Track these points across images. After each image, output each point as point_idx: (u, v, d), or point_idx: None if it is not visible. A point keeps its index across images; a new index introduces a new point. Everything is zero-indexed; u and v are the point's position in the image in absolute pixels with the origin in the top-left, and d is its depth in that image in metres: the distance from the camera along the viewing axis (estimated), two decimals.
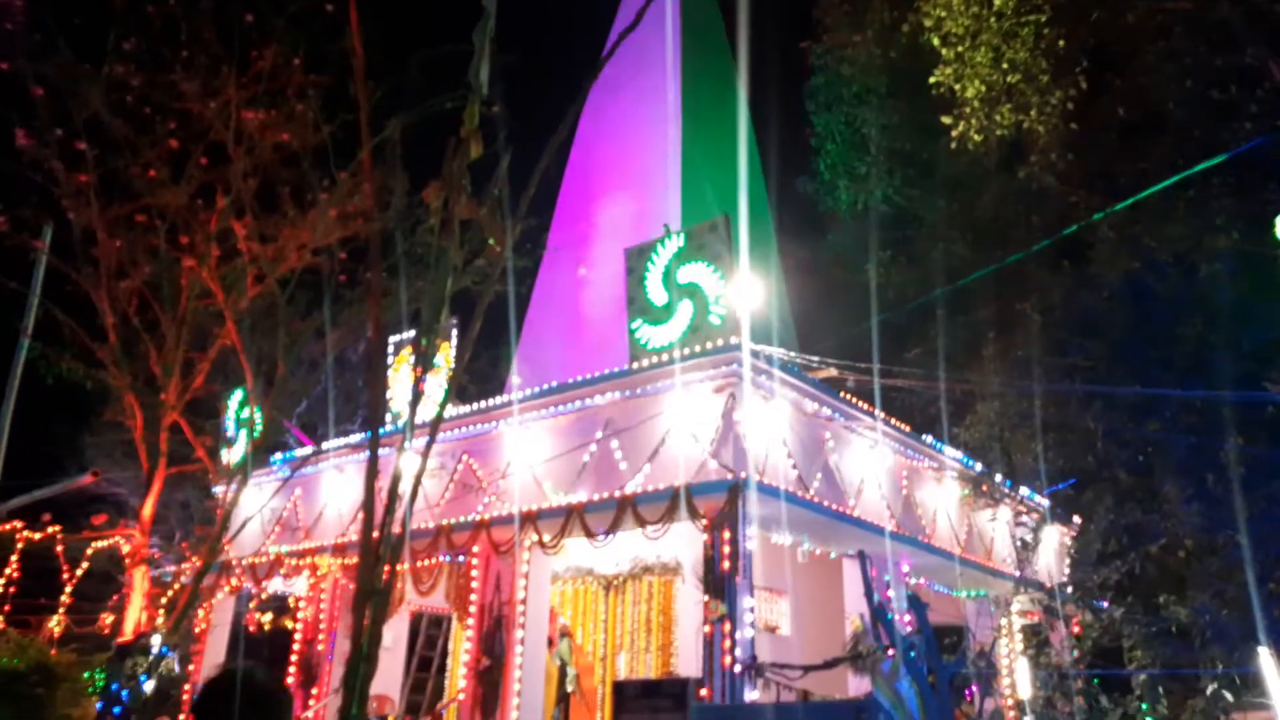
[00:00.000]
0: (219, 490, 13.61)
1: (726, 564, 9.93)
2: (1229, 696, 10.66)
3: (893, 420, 12.87)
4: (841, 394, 12.20)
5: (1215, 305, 11.91)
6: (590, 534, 10.82)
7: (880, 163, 14.91)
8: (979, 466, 13.23)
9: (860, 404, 12.29)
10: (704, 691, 9.69)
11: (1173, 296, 12.14)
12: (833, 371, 12.09)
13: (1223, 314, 11.85)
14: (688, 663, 12.51)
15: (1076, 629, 11.91)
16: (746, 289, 10.77)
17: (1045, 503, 12.62)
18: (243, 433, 13.58)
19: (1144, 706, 10.76)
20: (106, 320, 9.56)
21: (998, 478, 12.78)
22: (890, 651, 7.60)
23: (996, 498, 12.78)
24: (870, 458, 12.45)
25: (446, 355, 13.46)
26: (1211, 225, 11.80)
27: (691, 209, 15.12)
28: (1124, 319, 12.12)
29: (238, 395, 13.51)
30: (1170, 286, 12.18)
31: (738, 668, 9.51)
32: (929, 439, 13.56)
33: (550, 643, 12.85)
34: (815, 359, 11.95)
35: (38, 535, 12.97)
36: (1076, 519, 13.91)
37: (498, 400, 12.95)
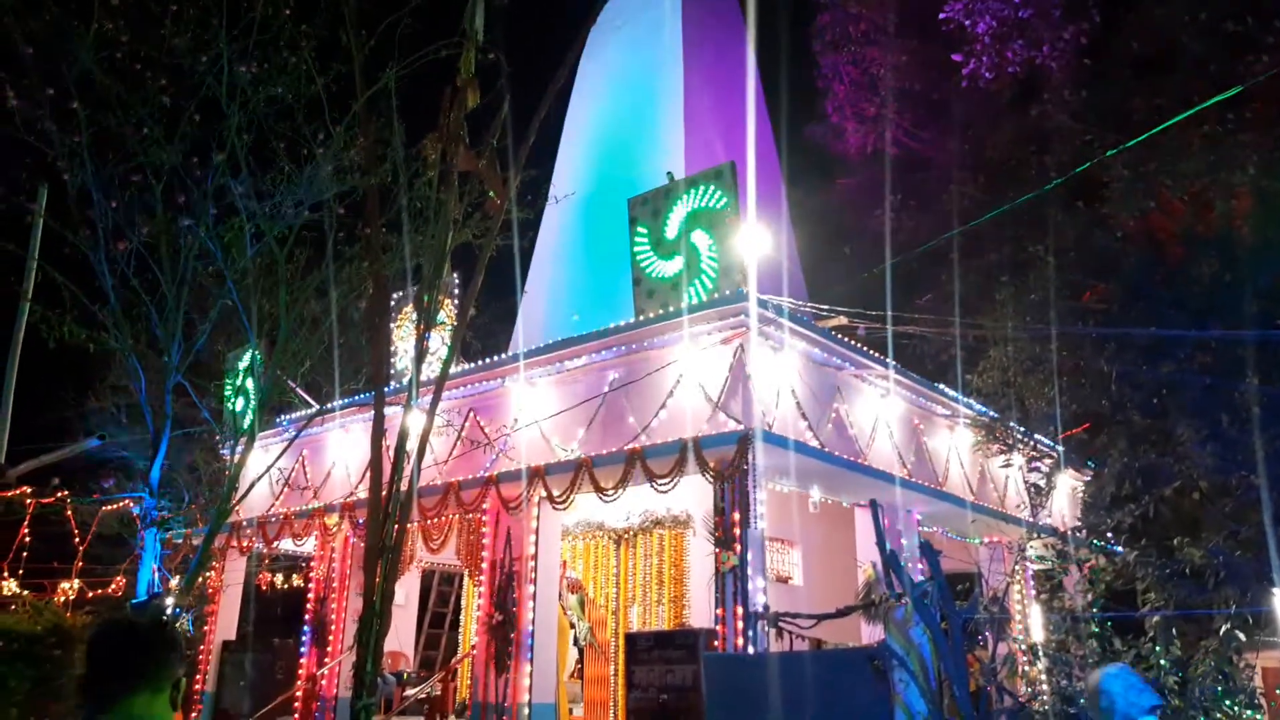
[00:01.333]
0: (225, 452, 13.61)
1: (737, 516, 9.89)
2: (1241, 636, 10.63)
3: (904, 368, 12.73)
4: (852, 342, 12.06)
5: (1230, 243, 11.68)
6: (600, 488, 10.77)
7: (890, 103, 14.56)
8: (991, 413, 13.13)
9: (871, 352, 12.16)
10: (716, 642, 9.70)
11: (1187, 236, 11.91)
12: (843, 320, 11.93)
13: (1238, 252, 11.62)
14: (700, 614, 12.55)
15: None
16: (754, 237, 10.59)
17: (1058, 448, 12.54)
18: (248, 394, 13.53)
19: (1157, 648, 10.75)
20: (106, 282, 9.45)
21: (1010, 423, 12.70)
22: (903, 599, 7.54)
23: (1009, 444, 12.70)
24: (881, 406, 12.35)
25: (449, 311, 13.34)
26: (1227, 161, 11.53)
27: (696, 155, 14.86)
28: (1138, 260, 11.90)
29: (243, 358, 13.45)
30: (1185, 225, 11.95)
31: (749, 618, 9.50)
32: (941, 386, 13.44)
33: (560, 596, 12.92)
34: (825, 307, 11.79)
35: (47, 500, 13.01)
36: (1090, 463, 13.82)
37: (503, 357, 12.85)
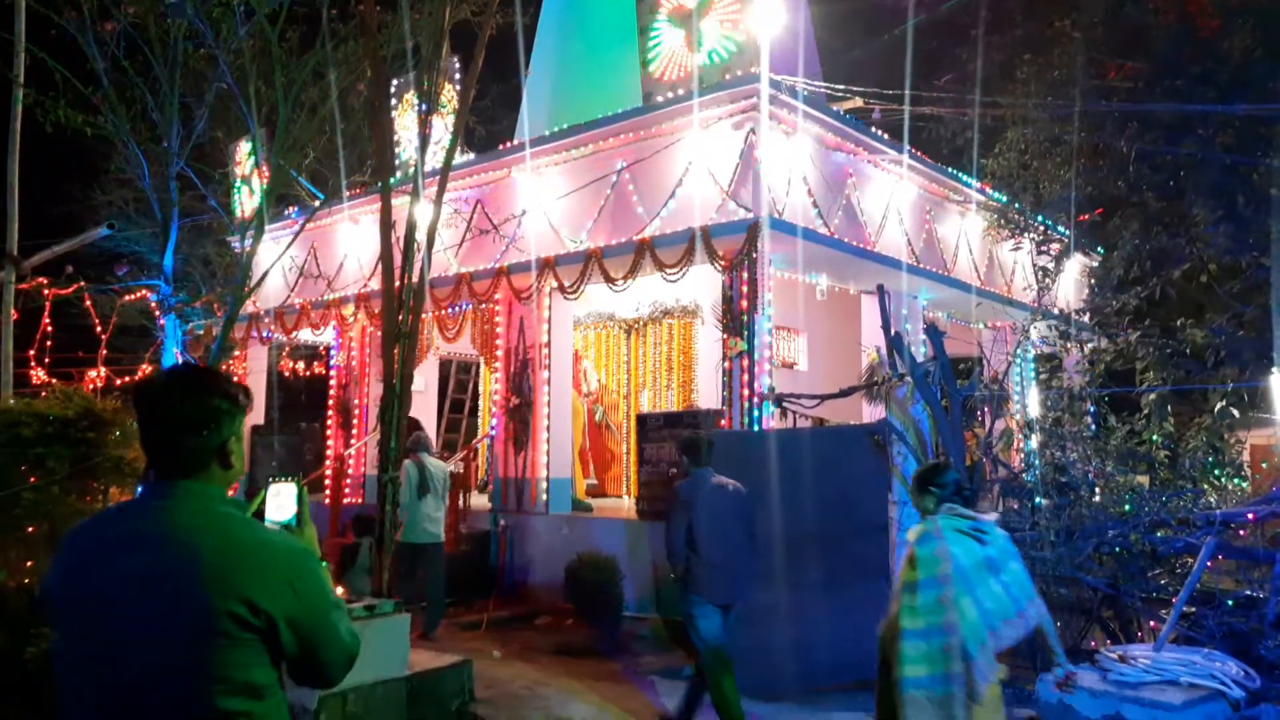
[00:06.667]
0: (236, 245, 13.65)
1: (745, 303, 10.00)
2: (1235, 413, 10.94)
3: (918, 153, 12.44)
4: (867, 124, 11.73)
5: (1265, 15, 11.10)
6: (609, 278, 10.85)
7: None
8: (1004, 198, 12.95)
9: (885, 136, 11.85)
10: (723, 421, 10.06)
11: (1221, 7, 11.29)
12: (858, 102, 11.53)
13: (1272, 25, 11.06)
14: (708, 397, 12.94)
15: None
16: (766, 11, 10.08)
17: (1069, 232, 12.44)
18: (253, 182, 13.39)
19: (1150, 423, 11.10)
20: (97, 65, 9.15)
21: (1023, 206, 12.54)
22: (905, 378, 7.74)
23: (1020, 228, 12.59)
24: (894, 192, 12.18)
25: (450, 97, 12.96)
26: None
27: None
28: (1168, 33, 11.34)
29: (245, 146, 13.22)
30: None
31: (756, 399, 9.81)
32: (954, 171, 13.18)
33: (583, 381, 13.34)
34: (840, 88, 11.37)
35: (64, 291, 13.19)
36: (1099, 249, 13.77)
37: (509, 146, 12.60)
